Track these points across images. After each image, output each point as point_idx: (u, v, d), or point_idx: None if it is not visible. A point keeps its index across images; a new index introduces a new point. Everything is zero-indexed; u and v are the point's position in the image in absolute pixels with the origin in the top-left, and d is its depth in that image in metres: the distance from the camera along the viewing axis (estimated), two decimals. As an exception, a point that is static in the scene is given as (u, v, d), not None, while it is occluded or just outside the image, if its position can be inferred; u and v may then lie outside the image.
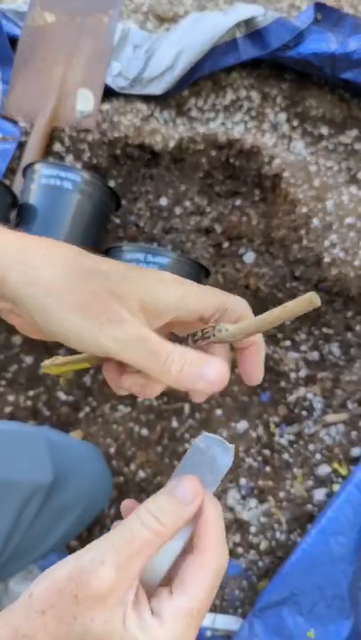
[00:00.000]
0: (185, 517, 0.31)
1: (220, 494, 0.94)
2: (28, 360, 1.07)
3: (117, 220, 1.15)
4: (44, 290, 0.30)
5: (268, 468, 0.96)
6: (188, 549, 0.32)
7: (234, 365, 1.06)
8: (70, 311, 0.30)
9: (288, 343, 1.07)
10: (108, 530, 0.92)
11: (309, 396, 1.02)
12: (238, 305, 0.35)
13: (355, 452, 0.93)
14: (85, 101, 1.19)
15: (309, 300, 0.30)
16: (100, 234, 1.09)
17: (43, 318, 0.30)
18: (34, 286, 0.30)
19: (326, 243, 1.05)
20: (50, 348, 1.08)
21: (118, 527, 0.30)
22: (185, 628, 0.28)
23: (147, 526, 0.30)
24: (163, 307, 0.32)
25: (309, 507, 0.89)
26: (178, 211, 1.15)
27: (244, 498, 0.94)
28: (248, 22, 1.17)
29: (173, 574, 0.31)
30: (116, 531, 0.30)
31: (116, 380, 0.35)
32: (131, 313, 0.30)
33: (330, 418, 0.98)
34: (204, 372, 0.31)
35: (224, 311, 0.34)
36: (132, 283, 0.31)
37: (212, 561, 0.30)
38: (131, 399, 1.04)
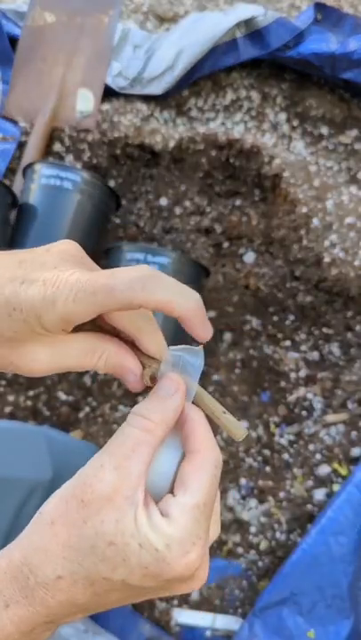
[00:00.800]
0: (171, 409, 0.31)
1: (220, 494, 0.94)
2: (28, 360, 1.07)
3: (117, 220, 1.16)
4: None
5: (268, 468, 0.96)
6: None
7: (234, 365, 1.06)
8: None
9: (288, 343, 1.07)
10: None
11: (309, 395, 1.02)
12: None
13: (355, 451, 0.92)
14: (85, 101, 1.19)
15: (238, 432, 0.33)
16: (100, 234, 1.09)
17: None
18: None
19: (326, 243, 1.05)
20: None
21: (112, 436, 0.31)
22: (194, 522, 0.28)
23: (136, 425, 0.30)
24: (51, 325, 0.30)
25: (309, 507, 0.89)
26: (178, 211, 1.15)
27: (244, 498, 0.94)
28: (248, 22, 1.17)
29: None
30: (110, 439, 0.31)
31: None
32: (40, 347, 0.31)
33: (330, 418, 0.98)
34: (125, 378, 0.33)
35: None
36: (16, 327, 0.30)
37: (207, 456, 0.30)
38: (131, 399, 1.04)
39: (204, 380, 1.03)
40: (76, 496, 0.29)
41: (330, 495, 0.89)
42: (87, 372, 1.06)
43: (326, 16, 1.19)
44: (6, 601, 0.29)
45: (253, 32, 1.18)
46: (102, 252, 1.03)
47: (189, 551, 0.28)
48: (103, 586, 0.28)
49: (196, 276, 0.98)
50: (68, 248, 0.32)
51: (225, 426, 0.33)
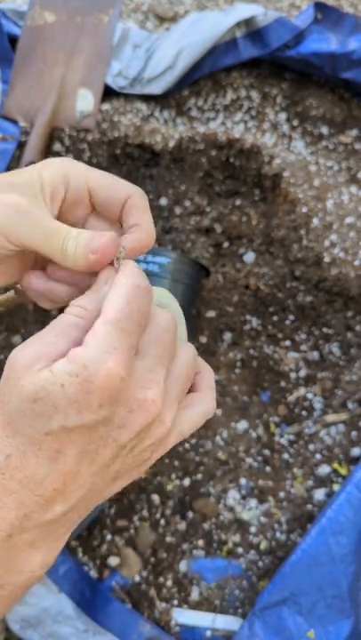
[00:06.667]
0: (103, 296, 0.30)
1: (221, 494, 0.94)
2: (28, 360, 1.07)
3: (117, 220, 1.15)
4: None
5: (268, 468, 0.96)
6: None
7: (234, 365, 1.06)
8: None
9: (288, 343, 1.07)
10: (108, 529, 0.92)
11: (309, 396, 1.02)
12: (122, 191, 0.37)
13: (355, 451, 0.92)
14: (85, 101, 1.19)
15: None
16: (100, 234, 1.08)
17: None
18: None
19: (326, 243, 1.05)
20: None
21: None
22: (105, 335, 0.27)
23: (70, 312, 0.30)
24: (50, 185, 0.34)
25: (309, 507, 0.89)
26: (178, 211, 1.15)
27: (244, 498, 0.94)
28: (248, 22, 1.17)
29: None
30: None
31: (36, 290, 0.37)
32: (34, 202, 0.33)
33: (330, 418, 0.98)
34: (92, 245, 0.32)
35: (109, 191, 0.37)
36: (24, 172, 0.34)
37: (120, 281, 0.30)
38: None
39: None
40: (2, 378, 0.29)
41: (330, 495, 0.89)
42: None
43: (326, 15, 1.19)
44: None
45: (253, 32, 1.18)
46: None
47: (105, 360, 0.26)
48: (51, 444, 0.27)
49: (196, 275, 0.98)
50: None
51: None
